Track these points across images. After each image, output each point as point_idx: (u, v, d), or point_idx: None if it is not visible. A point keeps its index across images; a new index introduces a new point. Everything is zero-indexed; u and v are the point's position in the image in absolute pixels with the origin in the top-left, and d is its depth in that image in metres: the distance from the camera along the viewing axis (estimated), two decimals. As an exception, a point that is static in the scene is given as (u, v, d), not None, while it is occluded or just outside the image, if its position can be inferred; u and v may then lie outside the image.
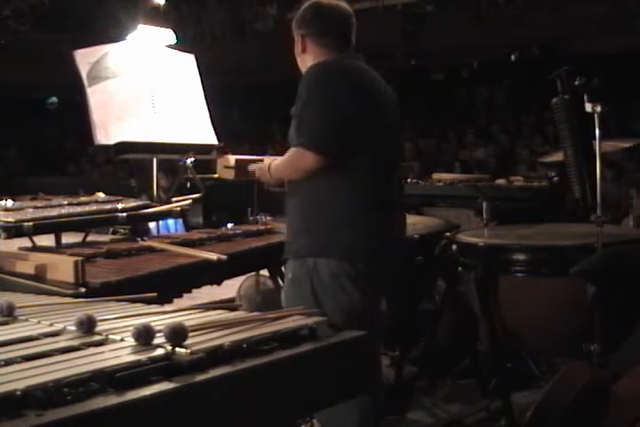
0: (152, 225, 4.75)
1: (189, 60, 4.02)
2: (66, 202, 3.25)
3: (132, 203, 3.33)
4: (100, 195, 3.53)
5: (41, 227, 2.81)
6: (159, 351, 1.27)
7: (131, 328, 1.34)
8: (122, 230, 5.55)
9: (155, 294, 1.89)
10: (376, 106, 2.57)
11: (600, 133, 2.98)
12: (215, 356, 1.27)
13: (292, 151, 2.55)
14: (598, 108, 2.97)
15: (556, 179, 4.54)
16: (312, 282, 2.50)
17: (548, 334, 3.15)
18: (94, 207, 3.18)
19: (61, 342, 1.35)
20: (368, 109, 2.53)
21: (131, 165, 10.49)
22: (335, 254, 2.49)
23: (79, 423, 1.03)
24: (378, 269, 2.54)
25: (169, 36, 4.62)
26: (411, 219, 4.14)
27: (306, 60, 2.68)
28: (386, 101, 2.65)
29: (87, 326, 1.41)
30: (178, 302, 2.54)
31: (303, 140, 2.50)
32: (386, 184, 2.61)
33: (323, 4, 2.68)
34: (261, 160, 2.87)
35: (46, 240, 3.00)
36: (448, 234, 3.46)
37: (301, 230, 2.59)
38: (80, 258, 2.37)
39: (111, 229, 6.40)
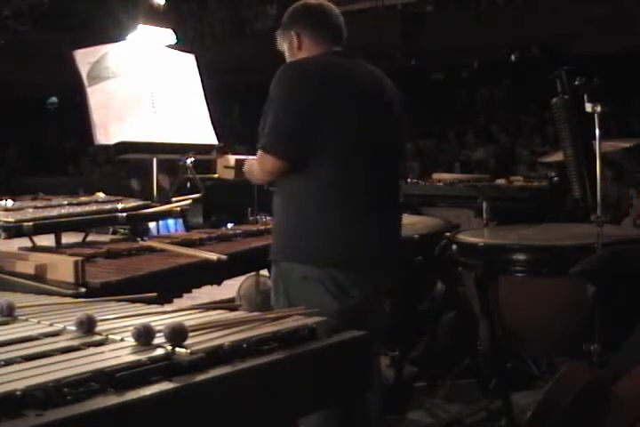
0: (152, 225, 4.75)
1: (189, 60, 4.02)
2: (66, 202, 3.25)
3: (132, 203, 3.34)
4: (100, 195, 3.53)
5: (41, 227, 2.81)
6: (159, 351, 1.27)
7: (131, 328, 1.34)
8: (122, 230, 5.55)
9: (155, 294, 1.89)
10: (357, 105, 2.50)
11: (600, 133, 2.98)
12: (215, 356, 1.27)
13: (257, 154, 2.55)
14: (598, 108, 2.97)
15: (555, 179, 4.54)
16: (285, 284, 2.49)
17: (548, 334, 3.15)
18: (94, 207, 3.19)
19: (61, 342, 1.35)
20: (341, 109, 2.45)
21: (131, 165, 10.49)
22: (304, 259, 2.45)
23: (79, 423, 1.03)
24: (361, 273, 2.48)
25: (169, 36, 4.62)
26: (411, 219, 4.15)
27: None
28: (376, 100, 2.58)
29: (87, 326, 1.41)
30: (178, 302, 2.54)
31: (263, 142, 2.49)
32: (372, 184, 2.52)
33: (311, 1, 2.69)
34: None
35: (46, 240, 3.00)
36: (448, 234, 3.45)
37: (276, 233, 2.59)
38: (80, 258, 2.38)
39: (111, 229, 6.40)
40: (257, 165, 2.57)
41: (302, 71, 2.50)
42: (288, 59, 2.68)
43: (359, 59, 2.66)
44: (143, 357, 1.23)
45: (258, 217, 3.61)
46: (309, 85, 2.45)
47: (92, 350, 1.31)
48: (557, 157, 4.05)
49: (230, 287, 2.91)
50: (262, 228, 3.38)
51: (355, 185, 2.49)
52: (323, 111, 2.43)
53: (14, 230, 2.71)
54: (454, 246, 3.30)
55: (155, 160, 3.98)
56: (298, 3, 2.71)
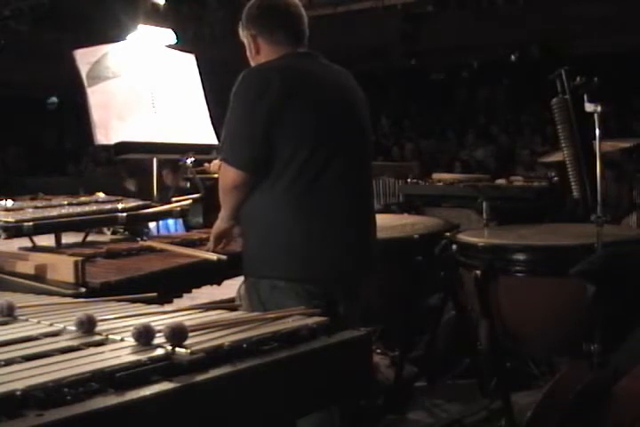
0: (152, 225, 4.75)
1: (189, 60, 4.02)
2: (66, 202, 3.25)
3: (132, 203, 3.34)
4: (100, 195, 3.53)
5: (41, 227, 2.81)
6: (159, 351, 1.27)
7: (131, 328, 1.34)
8: (121, 230, 5.56)
9: (155, 294, 1.89)
10: (316, 109, 2.41)
11: (600, 133, 2.98)
12: (215, 356, 1.27)
13: (219, 167, 2.50)
14: (598, 108, 2.96)
15: (556, 179, 4.55)
16: (258, 294, 2.45)
17: (548, 334, 3.15)
18: (94, 207, 3.19)
19: (61, 342, 1.35)
20: (301, 116, 2.37)
21: (130, 165, 10.50)
22: (270, 275, 2.41)
23: (79, 423, 1.03)
24: (330, 285, 2.44)
25: (169, 36, 4.63)
26: (410, 219, 4.16)
27: (260, 62, 2.55)
28: (336, 102, 2.48)
29: (87, 326, 1.41)
30: (178, 302, 2.54)
31: (223, 155, 2.45)
32: (338, 193, 2.43)
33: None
34: None
35: (46, 240, 3.00)
36: (448, 234, 3.45)
37: (243, 246, 2.54)
38: (80, 258, 2.38)
39: (111, 229, 6.40)
40: (220, 182, 2.50)
41: (262, 78, 2.40)
42: (250, 60, 2.59)
43: (321, 59, 2.57)
44: (143, 357, 1.23)
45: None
46: (269, 93, 2.35)
47: (92, 350, 1.31)
48: (557, 157, 4.05)
49: (230, 287, 2.91)
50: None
51: (319, 195, 2.41)
52: (283, 119, 2.35)
53: (14, 230, 2.71)
54: (454, 246, 3.30)
55: (155, 160, 3.98)
56: (253, 0, 2.57)
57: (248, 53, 2.60)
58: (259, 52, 2.56)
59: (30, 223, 2.75)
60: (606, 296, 2.86)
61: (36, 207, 3.09)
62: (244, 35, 2.60)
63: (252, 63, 2.59)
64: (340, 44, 8.65)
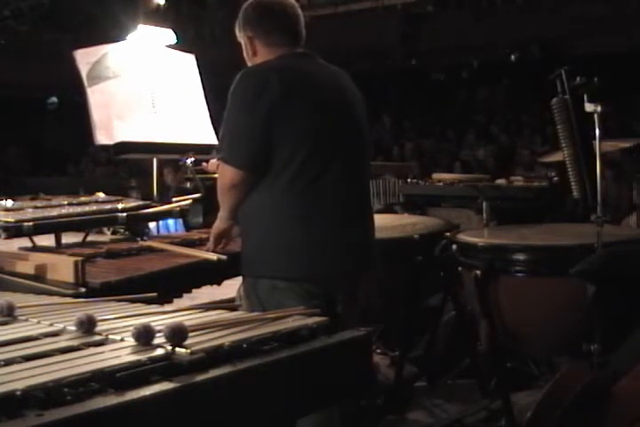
0: (152, 225, 4.75)
1: (189, 60, 4.02)
2: (66, 202, 3.25)
3: (132, 203, 3.34)
4: (100, 195, 3.53)
5: (41, 227, 2.81)
6: (159, 351, 1.27)
7: (131, 328, 1.34)
8: (121, 230, 5.57)
9: (155, 294, 1.89)
10: (316, 109, 2.41)
11: (600, 133, 2.98)
12: (215, 356, 1.27)
13: (218, 166, 2.51)
14: (598, 108, 2.96)
15: (555, 179, 4.55)
16: (257, 295, 2.44)
17: (548, 334, 3.15)
18: (94, 207, 3.19)
19: (61, 342, 1.36)
20: (301, 115, 2.37)
21: (130, 165, 10.50)
22: (271, 275, 2.40)
23: (79, 423, 1.03)
24: (330, 284, 2.44)
25: (169, 36, 4.62)
26: (411, 219, 4.16)
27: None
28: (335, 102, 2.48)
29: (87, 326, 1.41)
30: (178, 302, 2.54)
31: (222, 154, 2.45)
32: (338, 193, 2.44)
33: (263, 1, 2.55)
34: None
35: (46, 240, 3.01)
36: (448, 234, 3.45)
37: (242, 246, 2.54)
38: (80, 258, 2.38)
39: (111, 229, 6.41)
40: (218, 181, 2.50)
41: (260, 78, 2.39)
42: (247, 61, 2.58)
43: (319, 59, 2.57)
44: (143, 357, 1.23)
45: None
46: (267, 93, 2.34)
47: (92, 350, 1.31)
48: (557, 157, 4.05)
49: (230, 287, 2.91)
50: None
51: (319, 195, 2.41)
52: (282, 119, 2.35)
53: (14, 230, 2.71)
54: (454, 246, 3.30)
55: (155, 160, 3.98)
56: (248, 2, 2.57)
57: (245, 55, 2.60)
58: (255, 53, 2.55)
59: (30, 223, 2.76)
60: (606, 296, 2.86)
61: (36, 207, 3.09)
62: (240, 36, 2.59)
63: (249, 64, 2.58)
64: (340, 44, 8.65)
